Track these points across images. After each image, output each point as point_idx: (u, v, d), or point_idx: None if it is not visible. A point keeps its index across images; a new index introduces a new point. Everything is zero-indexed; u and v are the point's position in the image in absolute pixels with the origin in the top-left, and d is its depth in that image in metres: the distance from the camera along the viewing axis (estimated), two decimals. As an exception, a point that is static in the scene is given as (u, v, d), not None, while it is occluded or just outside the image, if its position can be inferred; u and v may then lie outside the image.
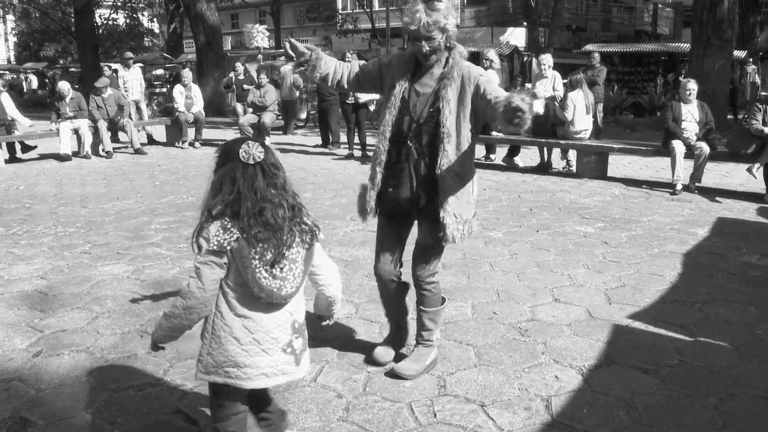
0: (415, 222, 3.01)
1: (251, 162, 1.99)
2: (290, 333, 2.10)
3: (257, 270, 1.97)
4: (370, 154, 10.60)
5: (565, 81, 9.49)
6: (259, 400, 2.29)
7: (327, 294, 2.27)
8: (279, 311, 2.07)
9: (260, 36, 9.82)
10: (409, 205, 2.87)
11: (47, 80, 32.86)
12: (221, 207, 1.98)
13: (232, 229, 1.96)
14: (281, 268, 2.01)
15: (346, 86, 3.02)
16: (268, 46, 11.71)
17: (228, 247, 1.96)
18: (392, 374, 3.01)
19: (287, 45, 2.94)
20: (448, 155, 2.74)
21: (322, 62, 2.90)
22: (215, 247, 1.96)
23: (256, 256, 1.97)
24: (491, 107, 2.60)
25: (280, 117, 13.58)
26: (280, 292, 2.01)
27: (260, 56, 17.71)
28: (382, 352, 3.15)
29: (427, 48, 2.69)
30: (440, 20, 2.64)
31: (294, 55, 2.92)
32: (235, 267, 1.99)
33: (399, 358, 3.15)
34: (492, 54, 10.53)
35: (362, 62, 3.10)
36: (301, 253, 2.06)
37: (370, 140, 10.61)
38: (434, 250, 2.95)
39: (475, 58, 20.46)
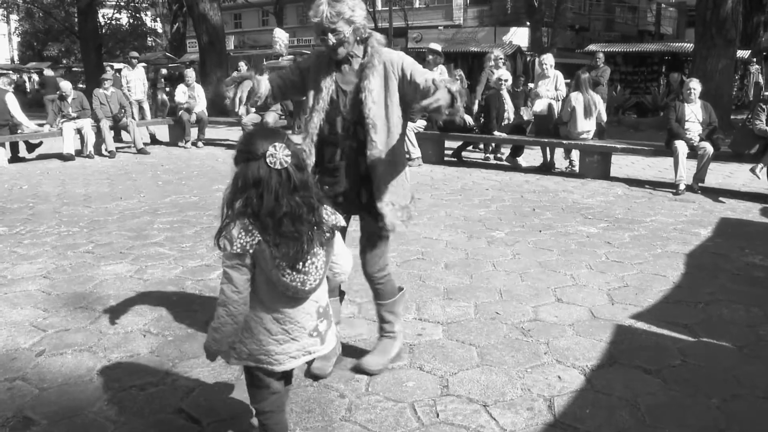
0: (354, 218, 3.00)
1: (278, 167, 1.96)
2: (315, 318, 2.19)
3: (280, 269, 2.02)
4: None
5: (568, 81, 9.49)
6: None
7: (339, 279, 2.38)
8: (305, 302, 2.15)
9: (277, 42, 9.86)
10: (347, 202, 2.84)
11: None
12: (242, 207, 1.98)
13: (253, 231, 1.98)
14: (303, 263, 2.06)
15: (272, 100, 2.99)
16: (287, 52, 11.75)
17: (250, 250, 1.99)
18: (357, 370, 3.02)
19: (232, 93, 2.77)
20: (377, 145, 2.72)
21: (261, 91, 2.81)
22: (238, 250, 1.98)
23: (278, 256, 2.00)
24: (420, 93, 2.60)
25: (283, 117, 13.58)
26: (304, 287, 2.08)
27: (269, 61, 17.80)
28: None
29: (333, 40, 2.64)
30: (344, 11, 2.59)
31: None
32: (259, 266, 2.05)
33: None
34: (499, 52, 10.59)
35: (281, 71, 3.03)
36: (322, 247, 2.12)
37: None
38: (379, 243, 2.93)
39: (480, 57, 20.36)
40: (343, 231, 2.77)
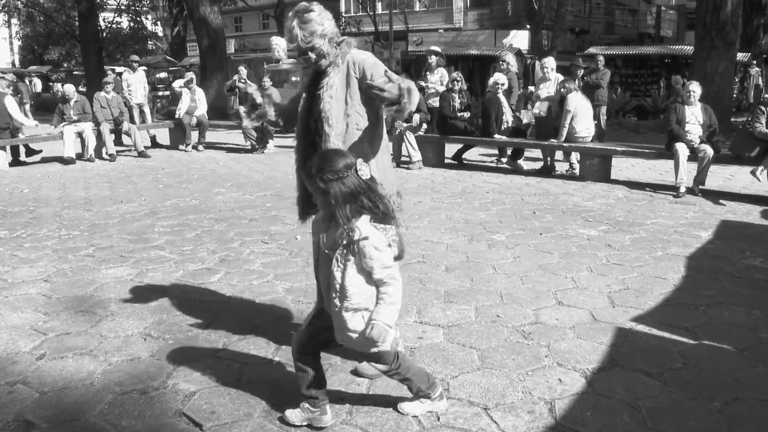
0: None
1: (366, 177, 2.37)
2: None
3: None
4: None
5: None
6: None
7: None
8: None
9: (275, 49, 10.11)
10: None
11: (51, 83, 32.98)
12: (368, 214, 2.35)
13: (383, 227, 2.39)
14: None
15: (291, 122, 3.18)
16: (286, 58, 12.06)
17: (396, 239, 2.42)
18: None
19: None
20: (330, 139, 2.81)
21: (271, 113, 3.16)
22: (394, 245, 2.41)
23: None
24: (377, 95, 2.67)
25: (284, 120, 13.60)
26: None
27: (269, 65, 17.84)
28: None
29: (314, 56, 2.78)
30: (316, 29, 2.71)
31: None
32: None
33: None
34: (510, 57, 10.62)
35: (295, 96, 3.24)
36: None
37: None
38: None
39: (480, 59, 20.38)
40: None
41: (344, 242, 2.35)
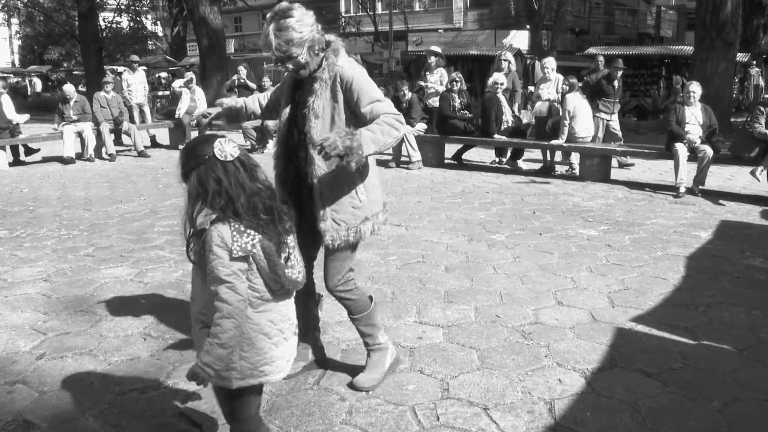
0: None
1: (229, 159, 1.94)
2: (294, 314, 2.17)
3: (284, 263, 2.01)
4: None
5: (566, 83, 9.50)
6: None
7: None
8: (290, 297, 2.12)
9: None
10: (299, 215, 2.72)
11: (51, 83, 32.98)
12: (219, 212, 1.94)
13: (247, 230, 1.93)
14: (289, 256, 2.05)
15: (260, 117, 3.12)
16: None
17: (253, 250, 1.93)
18: (353, 387, 2.93)
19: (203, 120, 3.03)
20: (315, 161, 2.62)
21: (225, 116, 3.02)
22: (240, 253, 1.91)
23: (276, 247, 2.01)
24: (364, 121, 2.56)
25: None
26: (299, 278, 2.07)
27: (268, 65, 17.85)
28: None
29: (291, 66, 2.58)
30: (293, 36, 2.47)
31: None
32: (255, 266, 1.98)
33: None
34: (509, 56, 10.61)
35: (274, 88, 3.10)
36: (293, 237, 2.11)
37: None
38: (331, 258, 2.78)
39: (480, 60, 20.31)
40: None
41: (190, 234, 2.02)
